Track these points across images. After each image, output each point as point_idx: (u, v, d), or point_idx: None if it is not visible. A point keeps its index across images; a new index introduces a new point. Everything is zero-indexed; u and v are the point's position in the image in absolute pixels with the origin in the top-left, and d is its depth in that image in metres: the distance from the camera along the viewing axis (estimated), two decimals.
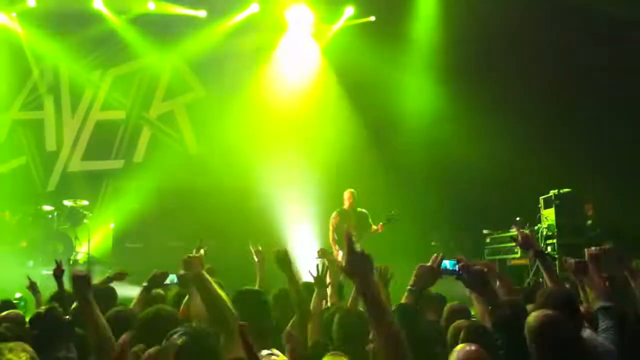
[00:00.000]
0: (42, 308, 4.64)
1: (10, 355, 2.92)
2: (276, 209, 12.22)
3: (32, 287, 6.21)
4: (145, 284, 5.02)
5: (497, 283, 4.72)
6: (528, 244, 5.23)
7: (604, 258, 4.64)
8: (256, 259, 6.09)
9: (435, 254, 3.84)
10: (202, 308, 4.25)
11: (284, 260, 4.64)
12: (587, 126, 12.60)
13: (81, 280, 3.54)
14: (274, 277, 5.38)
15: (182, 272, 4.55)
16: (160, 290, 5.42)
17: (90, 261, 5.67)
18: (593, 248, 4.70)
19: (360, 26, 14.33)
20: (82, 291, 3.52)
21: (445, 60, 13.61)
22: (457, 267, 4.03)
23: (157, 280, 5.05)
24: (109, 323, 3.57)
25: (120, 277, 5.69)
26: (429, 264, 3.74)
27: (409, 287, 3.67)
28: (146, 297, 4.94)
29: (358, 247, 2.62)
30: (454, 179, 12.90)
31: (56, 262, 5.51)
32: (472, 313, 5.17)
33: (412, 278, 3.69)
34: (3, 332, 4.20)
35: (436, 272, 3.73)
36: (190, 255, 3.68)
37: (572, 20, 12.57)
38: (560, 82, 12.84)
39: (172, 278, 5.07)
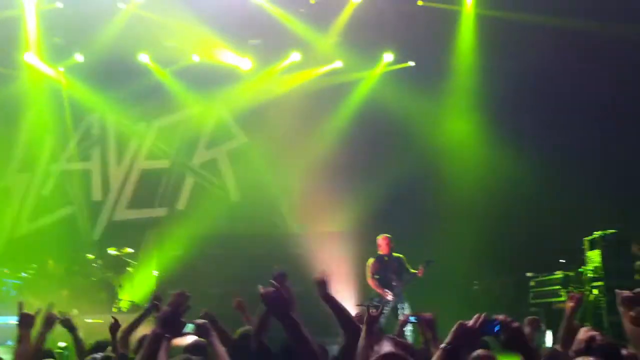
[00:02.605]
0: (98, 356, 4.60)
1: None
2: (316, 255, 12.17)
3: (67, 323, 6.03)
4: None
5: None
6: None
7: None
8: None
9: (478, 314, 3.54)
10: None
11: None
12: (634, 163, 12.35)
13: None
14: None
15: (200, 320, 4.61)
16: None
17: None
18: (625, 292, 4.59)
19: (400, 71, 14.43)
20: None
21: (486, 102, 13.58)
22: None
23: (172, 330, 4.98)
24: None
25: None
26: (470, 322, 3.22)
27: (443, 345, 3.22)
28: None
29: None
30: (497, 221, 12.71)
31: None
32: None
33: (450, 335, 3.23)
34: None
35: (476, 333, 3.21)
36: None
37: (618, 52, 12.46)
38: (606, 117, 12.67)
39: (190, 327, 4.97)
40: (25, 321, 4.59)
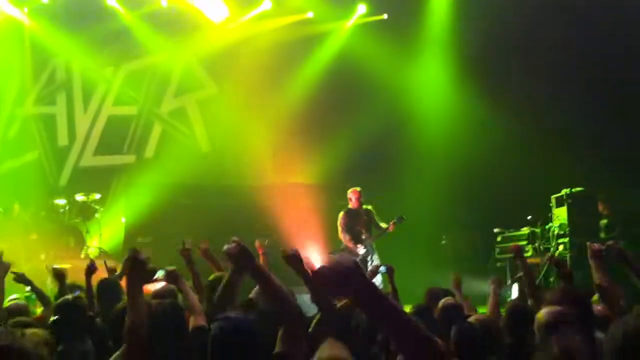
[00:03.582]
0: (70, 296, 4.60)
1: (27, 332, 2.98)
2: (285, 206, 12.18)
3: (21, 278, 5.94)
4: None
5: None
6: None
7: (607, 255, 4.69)
8: (261, 256, 6.11)
9: None
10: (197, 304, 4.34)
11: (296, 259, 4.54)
12: (602, 123, 12.52)
13: (139, 263, 3.57)
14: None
15: (170, 267, 4.63)
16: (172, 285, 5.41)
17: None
18: (596, 245, 4.73)
19: (372, 24, 14.31)
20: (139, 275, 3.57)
21: (458, 57, 13.59)
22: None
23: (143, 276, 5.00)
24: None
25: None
26: None
27: None
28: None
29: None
30: (465, 177, 12.84)
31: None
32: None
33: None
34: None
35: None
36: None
37: (584, 16, 12.52)
38: (572, 78, 12.78)
39: (160, 273, 5.02)
40: None
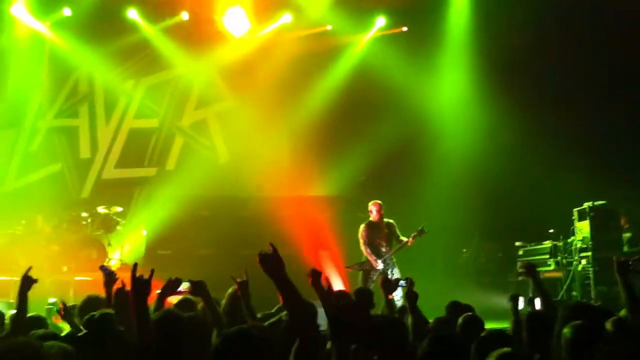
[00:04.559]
0: (97, 313, 4.57)
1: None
2: (304, 219, 12.18)
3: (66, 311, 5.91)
4: (158, 290, 5.00)
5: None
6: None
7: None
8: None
9: None
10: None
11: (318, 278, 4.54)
12: (626, 134, 12.41)
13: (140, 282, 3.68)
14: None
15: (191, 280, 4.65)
16: (191, 297, 5.42)
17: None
18: (622, 259, 4.70)
19: (391, 36, 14.32)
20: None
21: (477, 68, 13.55)
22: None
23: (171, 287, 5.02)
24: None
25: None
26: None
27: None
28: (161, 303, 4.93)
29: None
30: (485, 190, 12.77)
31: (103, 271, 5.61)
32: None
33: None
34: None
35: None
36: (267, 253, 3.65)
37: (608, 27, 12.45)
38: (596, 90, 12.70)
39: (185, 284, 5.05)
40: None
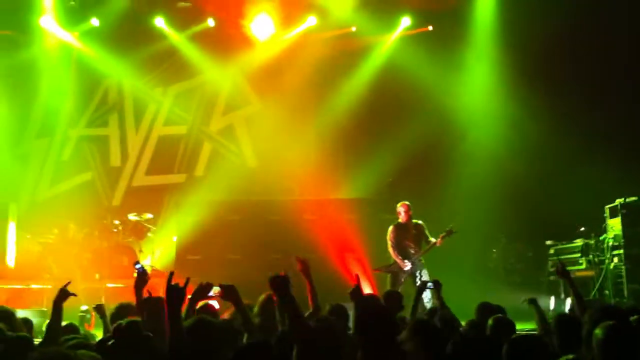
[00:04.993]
0: (124, 321, 4.58)
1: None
2: (331, 221, 12.17)
3: (99, 310, 6.17)
4: (189, 296, 5.01)
5: None
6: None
7: None
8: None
9: None
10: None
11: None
12: None
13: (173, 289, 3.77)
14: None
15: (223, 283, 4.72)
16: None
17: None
18: None
19: (416, 35, 14.26)
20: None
21: (504, 66, 13.42)
22: None
23: (201, 292, 4.99)
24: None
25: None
26: None
27: None
28: (192, 308, 4.96)
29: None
30: (514, 188, 12.63)
31: (138, 271, 5.68)
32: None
33: None
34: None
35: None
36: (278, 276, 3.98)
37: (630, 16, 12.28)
38: (627, 85, 12.51)
39: (216, 289, 5.06)
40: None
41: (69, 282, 5.31)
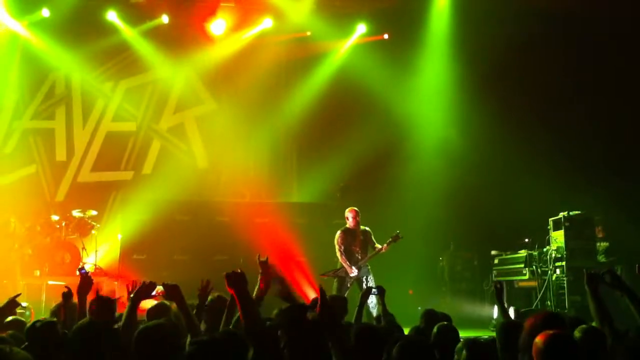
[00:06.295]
0: (41, 320, 4.47)
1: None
2: (280, 224, 12.14)
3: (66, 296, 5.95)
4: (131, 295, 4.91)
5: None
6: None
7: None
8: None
9: None
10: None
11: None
12: (600, 147, 12.53)
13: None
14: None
15: (167, 282, 4.64)
16: (166, 302, 5.36)
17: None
18: (592, 271, 4.72)
19: (372, 43, 14.34)
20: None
21: (458, 76, 13.59)
22: None
23: (144, 291, 4.87)
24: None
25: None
26: None
27: None
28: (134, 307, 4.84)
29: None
30: (462, 198, 12.82)
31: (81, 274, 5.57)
32: None
33: None
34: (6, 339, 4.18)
35: None
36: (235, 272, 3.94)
37: (579, 36, 12.59)
38: (571, 98, 12.82)
39: (159, 288, 4.98)
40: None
41: (19, 294, 5.37)
